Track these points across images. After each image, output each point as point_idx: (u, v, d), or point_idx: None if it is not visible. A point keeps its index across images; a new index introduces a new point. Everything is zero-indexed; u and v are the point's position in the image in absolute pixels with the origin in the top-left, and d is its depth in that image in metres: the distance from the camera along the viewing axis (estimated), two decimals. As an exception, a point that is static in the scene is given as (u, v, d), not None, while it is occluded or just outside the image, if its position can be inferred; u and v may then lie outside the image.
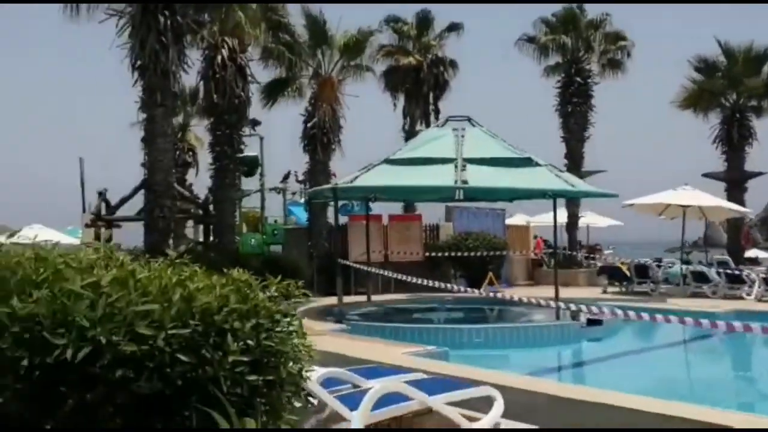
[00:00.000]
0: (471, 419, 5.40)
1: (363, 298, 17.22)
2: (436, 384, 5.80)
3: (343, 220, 24.64)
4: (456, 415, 5.25)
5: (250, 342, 2.92)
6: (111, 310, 2.64)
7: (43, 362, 2.53)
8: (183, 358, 2.71)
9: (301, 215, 33.03)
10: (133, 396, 2.66)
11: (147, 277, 2.88)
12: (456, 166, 13.21)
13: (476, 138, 14.41)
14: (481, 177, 13.17)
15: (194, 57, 16.56)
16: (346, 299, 15.53)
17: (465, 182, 13.04)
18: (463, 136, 14.31)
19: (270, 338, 3.04)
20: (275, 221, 26.28)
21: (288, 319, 3.22)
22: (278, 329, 3.15)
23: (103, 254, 3.03)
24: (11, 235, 2.97)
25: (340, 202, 22.81)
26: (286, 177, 35.76)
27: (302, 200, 37.97)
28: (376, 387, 4.73)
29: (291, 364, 3.12)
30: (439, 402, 5.23)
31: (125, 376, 2.61)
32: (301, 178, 38.75)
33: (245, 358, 2.83)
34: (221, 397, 2.66)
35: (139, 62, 14.22)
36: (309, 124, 20.59)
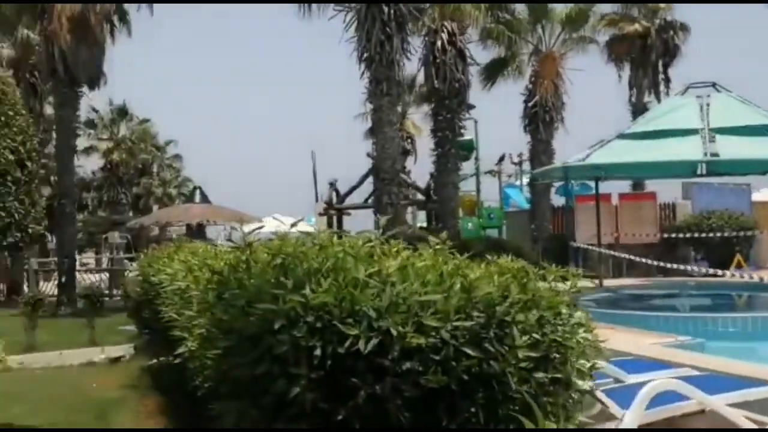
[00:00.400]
0: (758, 424, 4.72)
1: (593, 283, 16.32)
2: (709, 381, 5.18)
3: (562, 201, 23.77)
4: (741, 419, 4.61)
5: (535, 335, 2.68)
6: (395, 299, 2.55)
7: (334, 352, 2.51)
8: (469, 351, 2.55)
9: (517, 198, 32.48)
10: (420, 390, 2.56)
11: (425, 265, 2.76)
12: (702, 138, 11.92)
13: (724, 105, 12.90)
14: (733, 148, 11.75)
15: (414, 44, 16.78)
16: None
17: (715, 155, 11.72)
18: (708, 104, 12.90)
19: (555, 331, 2.79)
20: (488, 205, 26.07)
21: (570, 311, 2.94)
22: (559, 322, 2.89)
23: (378, 242, 2.97)
24: (294, 225, 3.01)
25: (559, 183, 21.99)
26: (500, 159, 35.36)
27: (517, 182, 37.37)
28: (652, 384, 4.28)
29: (579, 360, 2.84)
30: (719, 403, 4.63)
31: (412, 368, 2.51)
32: (516, 160, 38.21)
33: (534, 354, 2.60)
34: (526, 396, 2.45)
35: (365, 54, 14.70)
36: (530, 103, 19.98)
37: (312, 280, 2.65)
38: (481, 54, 20.37)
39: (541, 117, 19.93)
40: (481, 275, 2.77)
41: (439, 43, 16.79)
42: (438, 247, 3.33)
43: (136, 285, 9.92)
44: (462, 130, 18.21)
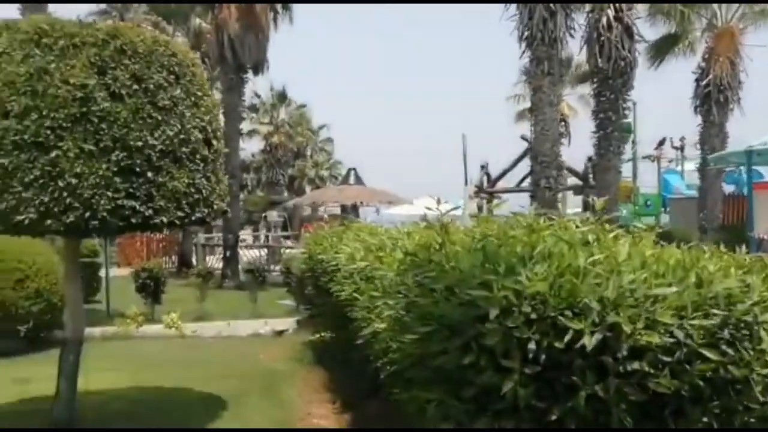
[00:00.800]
0: None
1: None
2: None
3: (730, 189, 21.83)
4: None
5: (784, 340, 2.32)
6: (622, 291, 2.28)
7: (550, 346, 2.29)
8: (708, 354, 2.24)
9: (678, 184, 30.39)
10: (645, 393, 2.29)
11: (654, 255, 2.46)
12: None
13: None
14: None
15: (577, 21, 15.93)
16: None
17: None
18: None
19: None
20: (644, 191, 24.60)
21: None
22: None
23: (592, 228, 2.70)
24: (496, 206, 2.81)
25: (729, 169, 20.16)
26: (660, 143, 33.20)
27: (678, 168, 34.90)
28: None
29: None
30: None
31: (640, 369, 2.25)
32: (677, 144, 35.68)
33: (787, 362, 2.24)
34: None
35: (526, 33, 14.17)
36: (703, 82, 18.43)
37: (524, 266, 2.44)
38: (648, 30, 19.05)
39: (714, 97, 18.32)
40: (718, 268, 2.44)
41: (604, 19, 15.82)
42: (646, 235, 3.02)
43: (300, 262, 10.25)
44: (626, 112, 17.16)
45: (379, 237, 4.53)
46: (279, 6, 20.03)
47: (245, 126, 28.55)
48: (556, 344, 2.27)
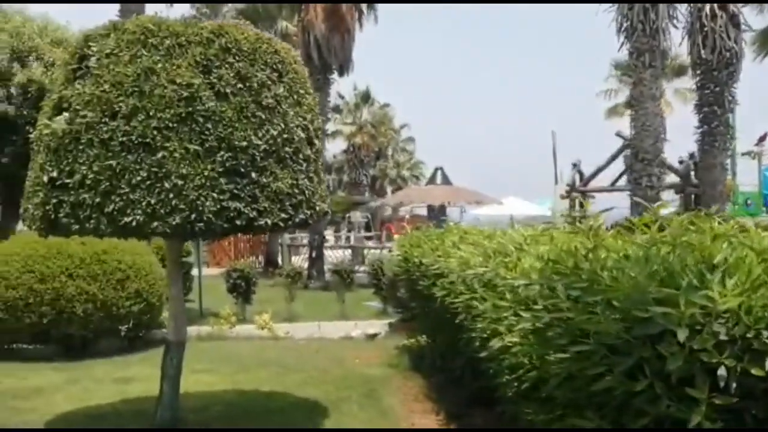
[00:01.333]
0: None
1: None
2: None
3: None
4: None
5: None
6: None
7: (745, 372, 1.94)
8: None
9: (782, 182, 28.61)
10: None
11: None
12: None
13: None
14: None
15: (679, 10, 15.07)
16: None
17: None
18: None
19: None
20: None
21: None
22: None
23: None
24: (663, 206, 2.46)
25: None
26: (762, 138, 31.42)
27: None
28: None
29: None
30: None
31: None
32: (779, 140, 33.62)
33: None
34: None
35: (625, 23, 13.48)
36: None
37: (705, 278, 2.09)
38: (755, 19, 17.86)
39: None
40: None
41: (707, 8, 14.92)
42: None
43: (393, 264, 10.03)
44: (731, 106, 16.11)
45: (497, 240, 4.21)
46: (364, 6, 19.94)
47: (329, 127, 28.71)
48: (753, 371, 1.91)
